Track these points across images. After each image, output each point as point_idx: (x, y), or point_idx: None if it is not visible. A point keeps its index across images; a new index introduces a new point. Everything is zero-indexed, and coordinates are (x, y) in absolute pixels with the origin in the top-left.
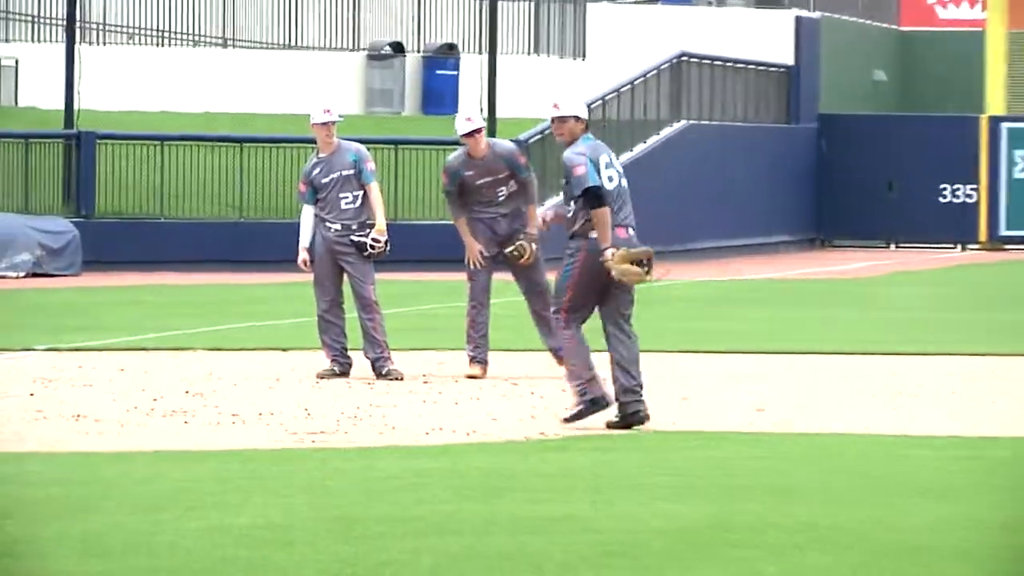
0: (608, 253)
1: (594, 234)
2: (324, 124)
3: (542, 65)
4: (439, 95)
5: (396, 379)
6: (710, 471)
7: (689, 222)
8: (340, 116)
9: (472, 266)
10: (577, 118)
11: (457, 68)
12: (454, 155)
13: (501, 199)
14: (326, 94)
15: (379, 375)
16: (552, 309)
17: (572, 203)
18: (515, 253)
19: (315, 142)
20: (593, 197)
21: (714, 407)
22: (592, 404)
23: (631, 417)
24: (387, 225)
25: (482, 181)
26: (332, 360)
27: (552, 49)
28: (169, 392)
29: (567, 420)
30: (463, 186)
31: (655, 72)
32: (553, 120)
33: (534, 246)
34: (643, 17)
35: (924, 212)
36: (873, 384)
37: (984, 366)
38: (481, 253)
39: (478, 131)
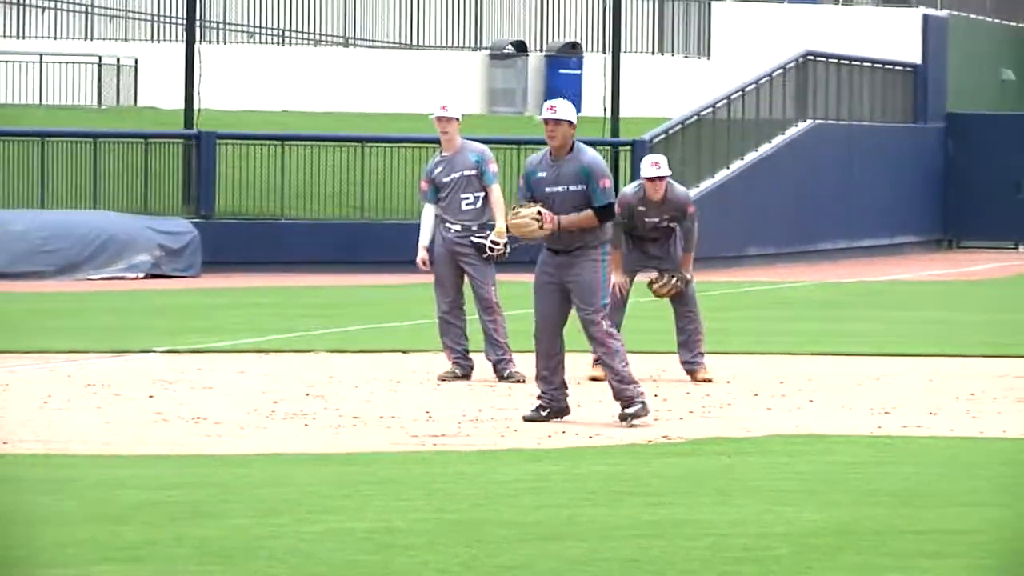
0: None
1: (606, 236)
2: (439, 119)
3: (666, 64)
4: (562, 94)
5: (518, 381)
6: (835, 475)
7: (814, 223)
8: (460, 114)
9: (611, 296)
10: (571, 123)
11: (580, 67)
12: (632, 189)
13: (658, 239)
14: (447, 93)
15: (501, 377)
16: (599, 316)
17: (579, 209)
18: (661, 289)
19: (438, 142)
20: (610, 214)
21: (839, 410)
22: (645, 406)
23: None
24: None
25: (651, 221)
26: (453, 362)
27: (676, 48)
28: (289, 394)
29: (627, 418)
30: (632, 219)
31: (780, 71)
32: (547, 122)
33: (679, 283)
34: (768, 16)
35: None
36: (998, 387)
37: None
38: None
39: (661, 179)
